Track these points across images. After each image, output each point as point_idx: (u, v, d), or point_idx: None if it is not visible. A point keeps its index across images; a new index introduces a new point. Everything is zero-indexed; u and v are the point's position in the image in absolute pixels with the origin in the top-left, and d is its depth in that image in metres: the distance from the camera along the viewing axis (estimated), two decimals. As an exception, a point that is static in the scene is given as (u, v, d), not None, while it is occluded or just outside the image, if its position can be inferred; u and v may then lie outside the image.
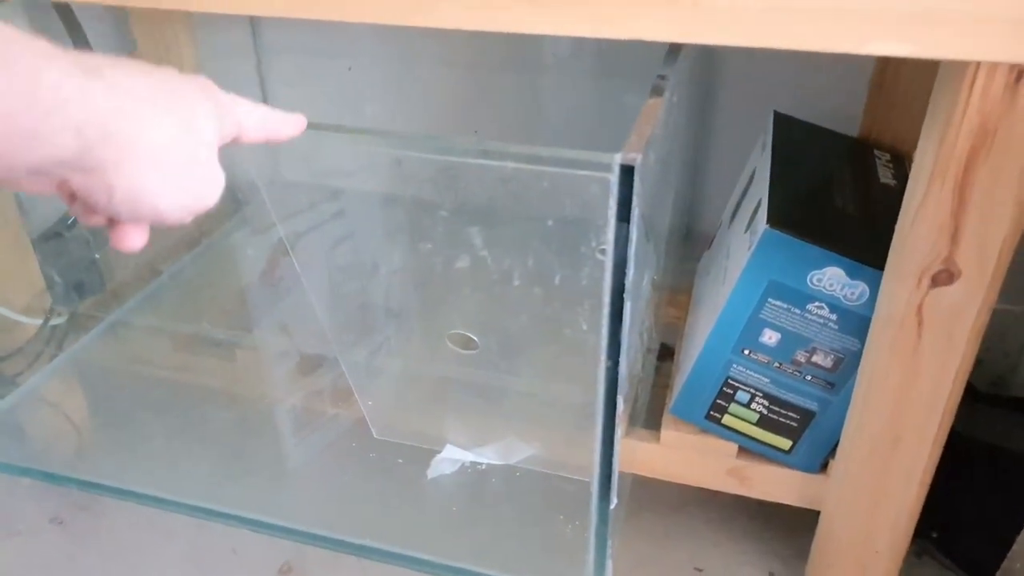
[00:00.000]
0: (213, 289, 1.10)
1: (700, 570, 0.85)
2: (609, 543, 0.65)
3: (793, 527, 0.84)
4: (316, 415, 0.93)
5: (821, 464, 0.73)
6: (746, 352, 0.70)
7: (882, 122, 0.84)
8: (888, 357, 0.61)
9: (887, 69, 0.81)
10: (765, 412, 0.72)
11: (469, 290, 0.84)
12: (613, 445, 0.59)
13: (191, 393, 0.96)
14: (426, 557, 0.75)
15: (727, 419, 0.74)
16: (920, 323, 0.58)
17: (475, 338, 0.83)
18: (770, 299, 0.67)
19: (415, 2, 0.53)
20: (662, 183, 0.67)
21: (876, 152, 0.82)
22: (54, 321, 0.96)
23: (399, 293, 0.91)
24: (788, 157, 0.76)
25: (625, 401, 0.58)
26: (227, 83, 0.43)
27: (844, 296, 0.65)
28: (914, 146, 0.56)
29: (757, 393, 0.72)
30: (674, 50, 0.63)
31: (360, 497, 0.87)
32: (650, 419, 0.79)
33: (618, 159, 0.48)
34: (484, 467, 0.84)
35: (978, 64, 0.48)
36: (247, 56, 1.13)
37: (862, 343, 0.64)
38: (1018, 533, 0.68)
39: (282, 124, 0.48)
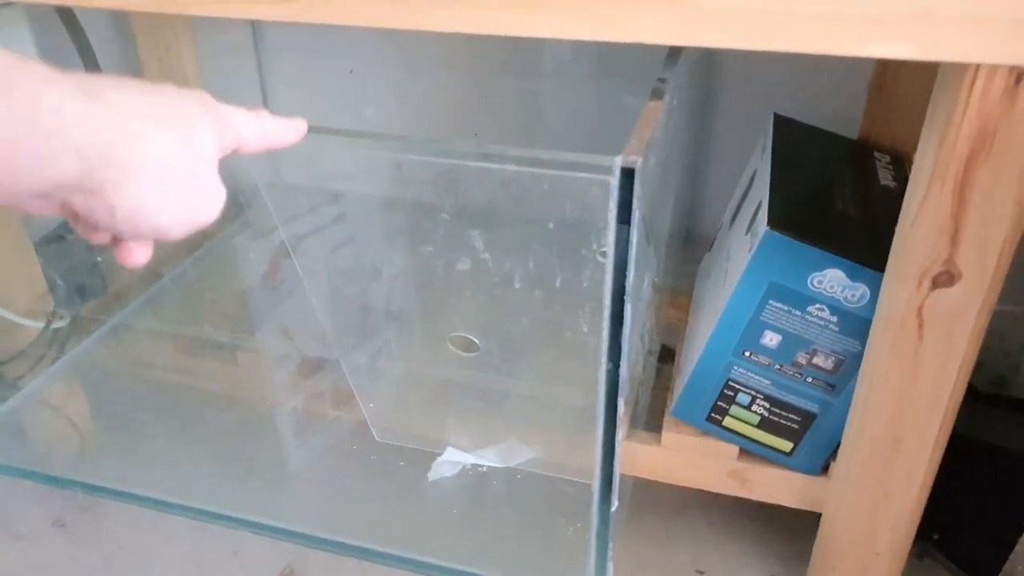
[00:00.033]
0: (214, 292, 1.10)
1: (701, 572, 0.85)
2: (610, 545, 0.65)
3: (794, 529, 0.84)
4: (317, 417, 0.93)
5: (822, 466, 0.73)
6: (747, 354, 0.70)
7: (882, 124, 0.84)
8: (889, 359, 0.61)
9: (887, 71, 0.81)
10: (766, 414, 0.72)
11: (470, 293, 0.84)
12: (614, 447, 0.59)
13: (193, 396, 0.96)
14: (427, 559, 0.75)
15: (728, 421, 0.74)
16: (921, 325, 0.58)
17: (476, 341, 0.83)
18: (771, 301, 0.67)
19: (415, 5, 0.53)
20: (662, 186, 0.67)
21: (876, 154, 0.82)
22: (56, 324, 0.96)
23: (400, 296, 0.91)
24: (788, 159, 0.76)
25: (626, 403, 0.58)
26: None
27: (845, 298, 0.65)
28: (914, 148, 0.56)
29: (758, 395, 0.72)
30: (674, 53, 0.63)
31: (361, 499, 0.87)
32: (651, 421, 0.79)
33: (618, 162, 0.48)
34: (485, 469, 0.84)
35: (978, 66, 0.48)
36: (248, 57, 1.13)
37: (863, 345, 0.64)
38: (1020, 534, 0.67)
39: (282, 132, 0.48)
